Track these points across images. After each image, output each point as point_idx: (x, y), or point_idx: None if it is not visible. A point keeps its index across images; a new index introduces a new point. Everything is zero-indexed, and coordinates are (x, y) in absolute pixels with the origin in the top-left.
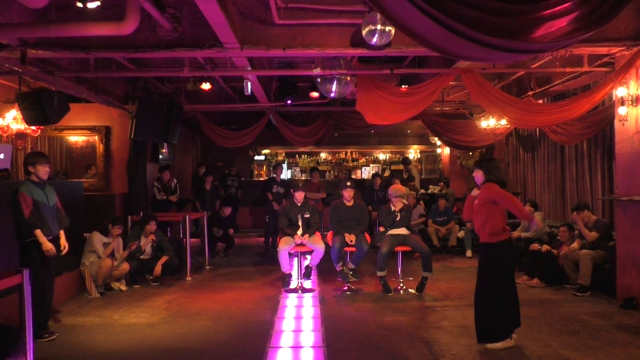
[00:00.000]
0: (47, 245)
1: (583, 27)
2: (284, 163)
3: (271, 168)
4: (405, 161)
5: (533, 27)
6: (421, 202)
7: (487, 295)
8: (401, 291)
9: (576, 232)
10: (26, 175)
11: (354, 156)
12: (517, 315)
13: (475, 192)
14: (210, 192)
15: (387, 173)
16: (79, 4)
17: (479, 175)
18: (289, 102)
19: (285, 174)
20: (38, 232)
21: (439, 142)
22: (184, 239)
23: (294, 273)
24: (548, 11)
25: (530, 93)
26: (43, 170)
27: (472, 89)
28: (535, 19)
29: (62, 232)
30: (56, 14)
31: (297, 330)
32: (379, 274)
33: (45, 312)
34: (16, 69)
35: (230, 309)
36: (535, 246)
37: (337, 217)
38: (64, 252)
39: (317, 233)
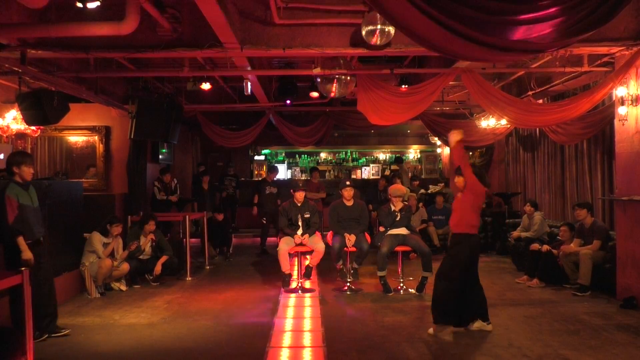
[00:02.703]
0: (27, 255)
1: (583, 27)
2: (284, 163)
3: (265, 169)
4: (398, 160)
5: (533, 27)
6: (421, 204)
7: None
8: (401, 291)
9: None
10: (9, 175)
11: (354, 156)
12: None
13: None
14: (209, 191)
15: (387, 173)
16: (79, 4)
17: (459, 181)
18: (287, 102)
19: (285, 174)
20: (20, 239)
21: (439, 142)
22: (184, 239)
23: (294, 273)
24: (548, 11)
25: (530, 93)
26: (28, 172)
27: (472, 89)
28: (535, 19)
29: None
30: (56, 14)
31: (297, 330)
32: (379, 274)
33: (51, 312)
34: (16, 69)
35: (230, 309)
36: (535, 246)
37: (337, 217)
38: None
39: (317, 233)
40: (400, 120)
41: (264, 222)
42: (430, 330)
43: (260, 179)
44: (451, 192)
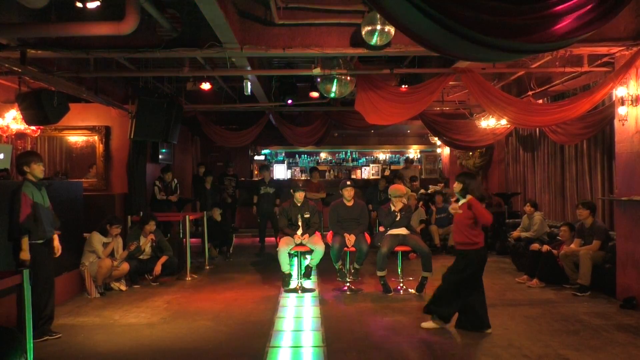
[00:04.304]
0: (24, 255)
1: (583, 27)
2: (284, 163)
3: (259, 169)
4: (409, 161)
5: (533, 27)
6: (421, 203)
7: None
8: (401, 291)
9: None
10: (22, 176)
11: (354, 156)
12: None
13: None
14: (211, 191)
15: (387, 173)
16: (79, 4)
17: (457, 187)
18: (289, 102)
19: (285, 174)
20: (25, 240)
21: (439, 142)
22: (184, 239)
23: (294, 273)
24: (547, 11)
25: (530, 93)
26: (39, 169)
27: (472, 89)
28: (535, 19)
29: (55, 236)
30: (56, 14)
31: (297, 330)
32: (379, 274)
33: (48, 313)
34: (16, 69)
35: (230, 309)
36: (535, 246)
37: (337, 217)
38: (58, 254)
39: (317, 233)
40: (400, 120)
41: (259, 220)
42: (425, 325)
43: (258, 179)
44: (451, 193)
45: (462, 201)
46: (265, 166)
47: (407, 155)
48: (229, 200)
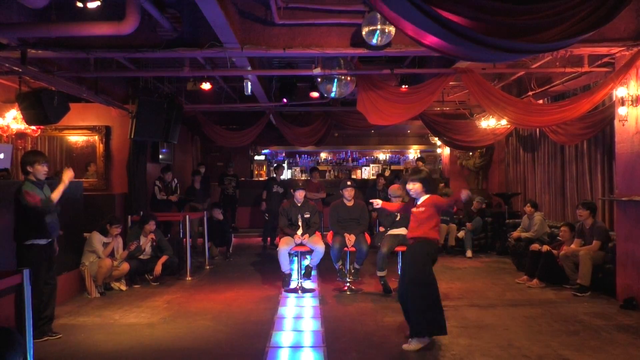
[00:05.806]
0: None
1: (583, 28)
2: (284, 163)
3: (272, 168)
4: (421, 159)
5: (533, 27)
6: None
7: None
8: None
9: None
10: (24, 175)
11: (354, 156)
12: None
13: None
14: (200, 191)
15: (387, 173)
16: (79, 4)
17: (417, 188)
18: (284, 100)
19: (286, 174)
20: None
21: (439, 142)
22: (184, 239)
23: (294, 273)
24: (548, 11)
25: (530, 93)
26: (42, 170)
27: (472, 89)
28: (535, 19)
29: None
30: (56, 13)
31: (297, 330)
32: (379, 274)
33: (48, 314)
34: (16, 69)
35: (230, 309)
36: (535, 246)
37: (337, 217)
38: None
39: (317, 233)
40: (400, 120)
41: (267, 218)
42: (411, 346)
43: (268, 177)
44: (451, 193)
45: (423, 199)
46: (280, 166)
47: (419, 156)
48: (228, 192)
